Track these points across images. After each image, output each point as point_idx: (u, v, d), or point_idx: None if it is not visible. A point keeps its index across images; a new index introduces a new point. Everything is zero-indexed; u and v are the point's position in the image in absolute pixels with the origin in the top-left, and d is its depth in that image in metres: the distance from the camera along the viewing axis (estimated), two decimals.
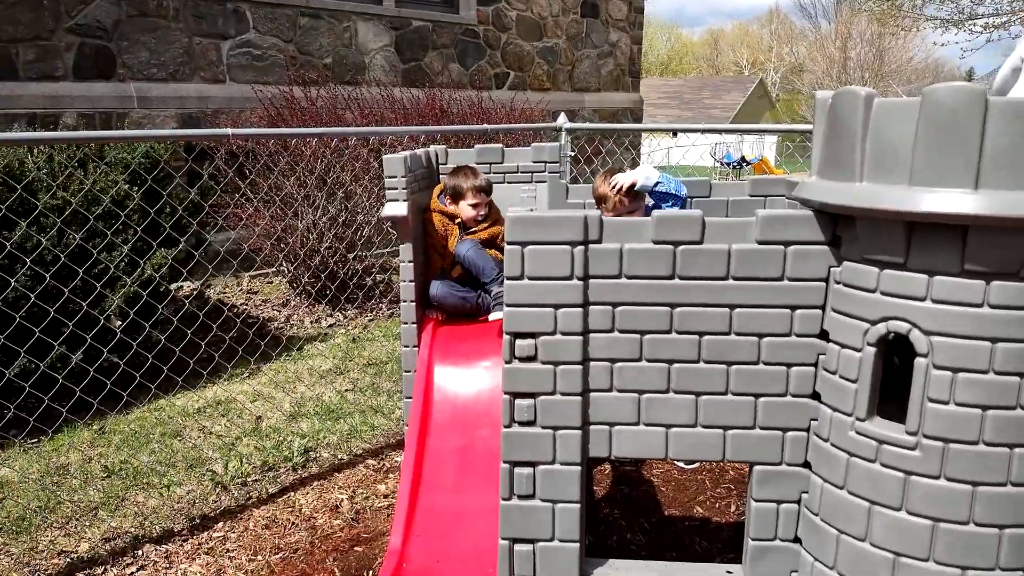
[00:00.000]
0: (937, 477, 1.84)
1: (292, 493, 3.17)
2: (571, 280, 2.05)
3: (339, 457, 3.52)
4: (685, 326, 2.07)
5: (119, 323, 4.27)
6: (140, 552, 2.74)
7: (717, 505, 3.01)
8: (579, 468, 2.15)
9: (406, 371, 3.04)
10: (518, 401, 2.12)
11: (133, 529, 2.90)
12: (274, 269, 6.88)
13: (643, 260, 2.04)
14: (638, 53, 12.95)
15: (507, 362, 2.11)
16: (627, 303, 2.07)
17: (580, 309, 2.07)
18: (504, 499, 2.18)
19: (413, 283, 2.98)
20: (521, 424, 2.14)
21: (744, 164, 21.66)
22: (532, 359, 2.10)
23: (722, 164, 21.36)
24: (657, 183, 2.89)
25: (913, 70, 45.63)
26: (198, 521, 2.96)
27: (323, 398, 4.32)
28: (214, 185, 5.27)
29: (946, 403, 1.81)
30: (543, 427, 2.13)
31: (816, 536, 2.09)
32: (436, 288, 3.16)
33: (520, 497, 2.18)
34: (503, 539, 2.19)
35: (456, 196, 3.23)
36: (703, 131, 4.98)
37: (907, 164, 1.76)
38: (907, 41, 41.98)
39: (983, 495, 1.81)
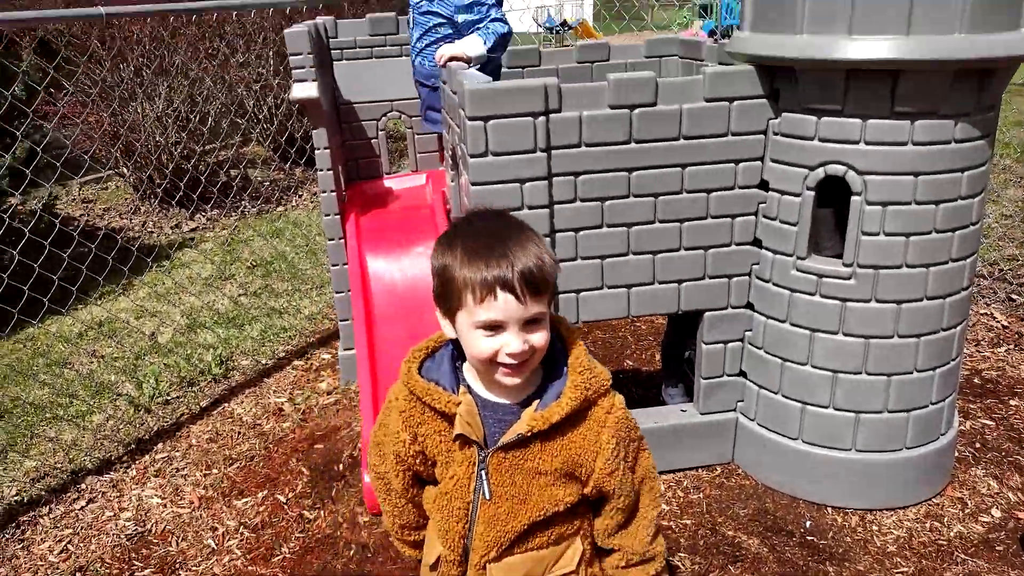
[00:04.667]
0: (869, 300, 2.11)
1: (226, 404, 3.06)
2: (535, 153, 2.06)
3: (262, 363, 3.40)
4: (642, 189, 2.16)
5: None
6: (83, 485, 2.57)
7: (643, 356, 3.26)
8: None
9: (334, 265, 2.95)
10: None
11: (61, 464, 2.70)
12: (108, 172, 6.19)
13: (602, 126, 2.08)
14: None
15: None
16: (588, 171, 2.12)
17: (545, 182, 2.09)
18: None
19: (331, 172, 2.84)
20: None
21: (566, 28, 21.68)
22: None
23: (546, 30, 21.27)
24: (479, 56, 2.61)
25: None
26: (133, 446, 2.80)
27: (216, 306, 4.10)
28: (29, 80, 4.62)
29: (877, 234, 2.05)
30: None
31: (761, 367, 2.34)
32: None
33: None
34: None
35: (449, 310, 1.25)
36: None
37: (847, 14, 1.89)
38: None
39: (905, 311, 2.11)
